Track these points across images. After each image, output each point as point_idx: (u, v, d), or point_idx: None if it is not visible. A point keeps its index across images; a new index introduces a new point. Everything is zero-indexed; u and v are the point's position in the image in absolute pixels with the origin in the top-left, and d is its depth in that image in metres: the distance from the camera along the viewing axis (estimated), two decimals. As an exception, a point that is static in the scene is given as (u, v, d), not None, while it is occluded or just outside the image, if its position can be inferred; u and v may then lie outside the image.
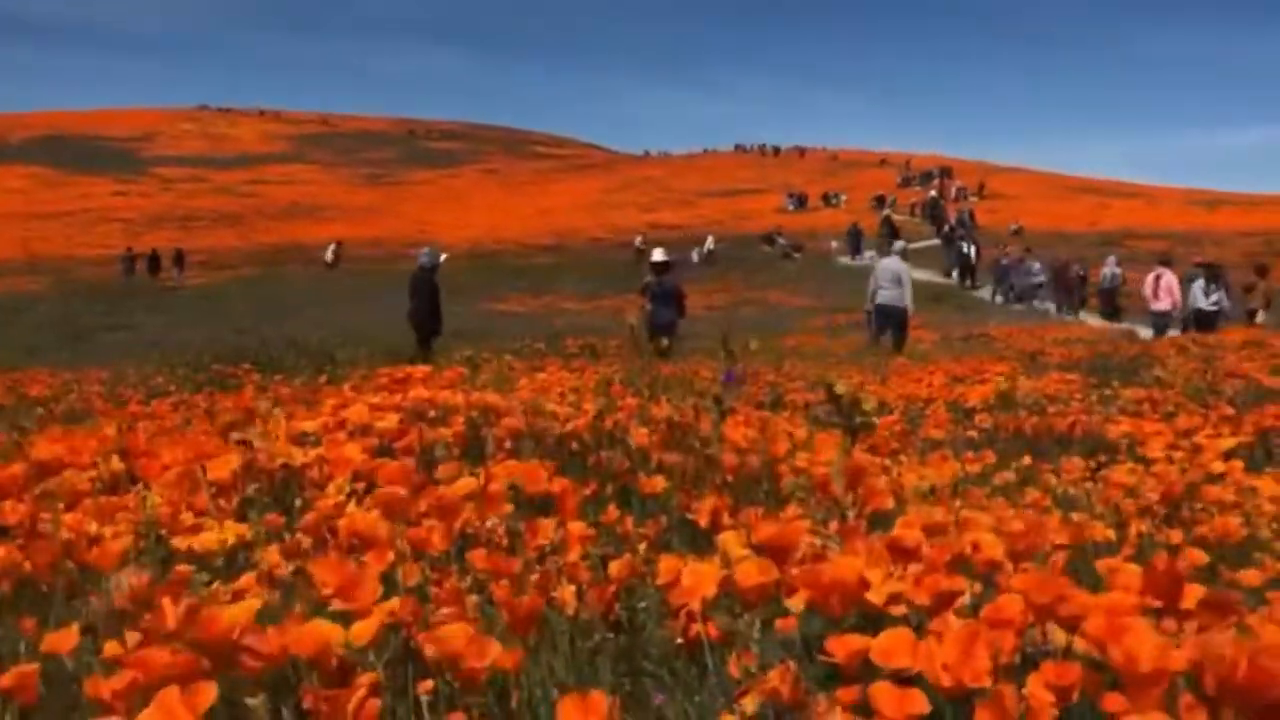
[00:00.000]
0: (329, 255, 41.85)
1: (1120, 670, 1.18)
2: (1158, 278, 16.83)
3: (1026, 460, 3.86)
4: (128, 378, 11.03)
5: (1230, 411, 4.59)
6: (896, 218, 42.65)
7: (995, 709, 1.12)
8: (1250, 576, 2.41)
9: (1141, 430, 4.10)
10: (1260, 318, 16.87)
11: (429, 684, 1.61)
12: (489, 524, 2.27)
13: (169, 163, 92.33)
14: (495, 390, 4.58)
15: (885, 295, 14.74)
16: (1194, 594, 1.41)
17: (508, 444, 3.14)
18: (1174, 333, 15.88)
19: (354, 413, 3.66)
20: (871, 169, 74.93)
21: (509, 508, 2.32)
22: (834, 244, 40.44)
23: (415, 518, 2.36)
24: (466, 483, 2.48)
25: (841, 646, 1.37)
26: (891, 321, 14.77)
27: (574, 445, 3.18)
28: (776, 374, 11.75)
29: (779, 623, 1.57)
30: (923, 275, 34.38)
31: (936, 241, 38.38)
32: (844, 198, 57.97)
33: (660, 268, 13.66)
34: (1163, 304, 16.67)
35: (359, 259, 42.42)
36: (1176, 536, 2.72)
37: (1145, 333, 17.66)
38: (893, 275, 14.86)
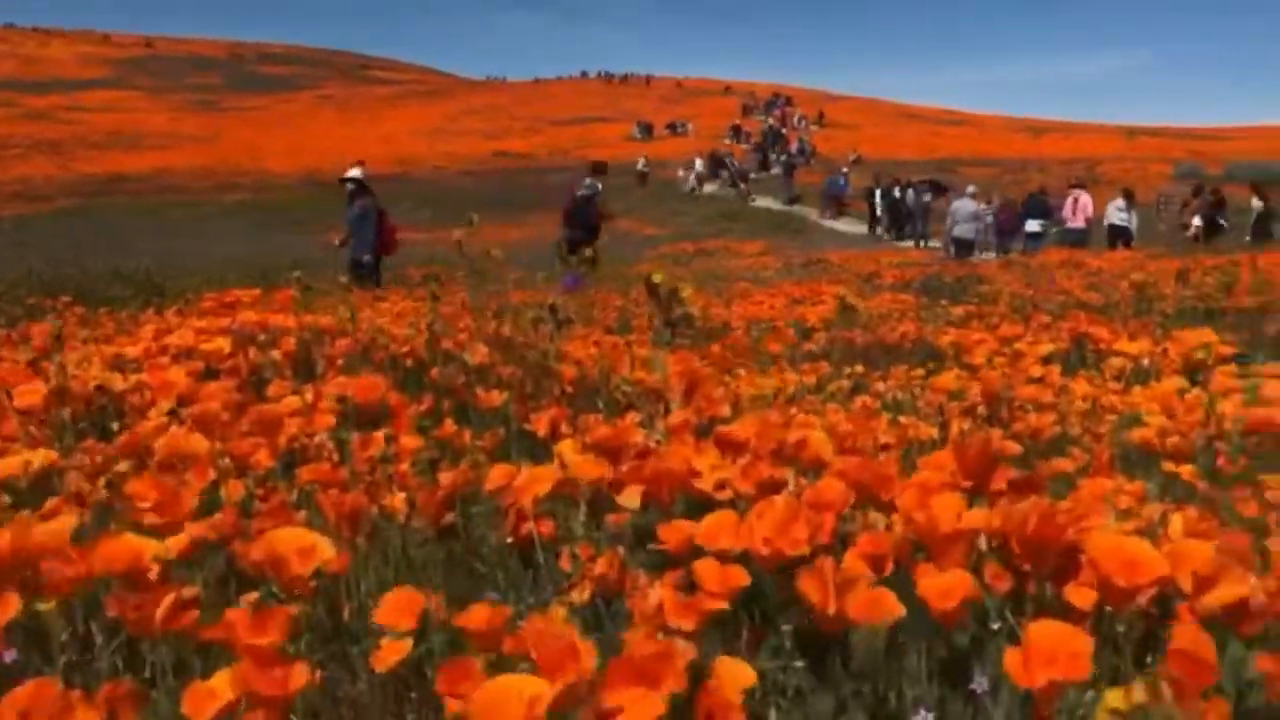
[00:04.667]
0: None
1: (923, 534, 1.22)
2: (1075, 199, 18.49)
3: (859, 369, 3.98)
4: (-68, 314, 10.26)
5: (1048, 320, 4.84)
6: (743, 147, 43.08)
7: (811, 576, 1.15)
8: (1062, 464, 2.55)
9: (967, 339, 4.27)
10: (1193, 231, 18.07)
11: (253, 595, 1.56)
12: (318, 439, 2.21)
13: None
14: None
15: (961, 230, 17.86)
16: (1004, 475, 1.47)
17: (339, 363, 3.05)
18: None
19: (177, 337, 3.50)
20: (716, 97, 75.23)
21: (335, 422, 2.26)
22: (681, 172, 40.42)
23: (240, 436, 2.27)
24: (292, 400, 2.40)
25: (672, 533, 1.39)
26: (966, 250, 17.50)
27: (409, 363, 3.12)
28: (625, 299, 11.78)
29: (610, 517, 1.57)
30: (765, 204, 34.90)
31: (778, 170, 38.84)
32: (690, 126, 58.14)
33: (354, 190, 10.80)
34: (1079, 222, 18.30)
35: (187, 189, 40.45)
36: (996, 433, 2.85)
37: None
38: (968, 213, 18.01)
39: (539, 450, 2.54)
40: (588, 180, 15.19)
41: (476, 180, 42.62)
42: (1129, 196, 18.56)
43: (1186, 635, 0.98)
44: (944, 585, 1.13)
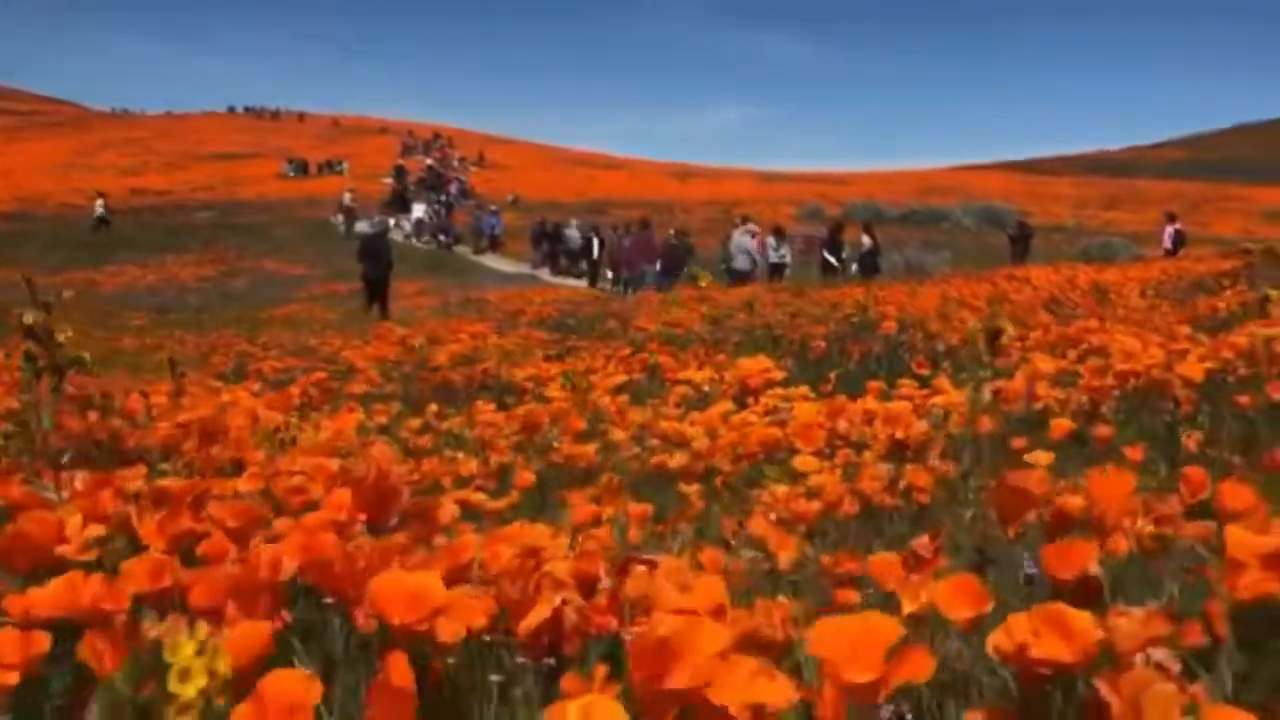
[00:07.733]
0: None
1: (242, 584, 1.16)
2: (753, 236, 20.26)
3: (433, 408, 3.94)
4: None
5: (627, 352, 5.02)
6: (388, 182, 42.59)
7: (95, 636, 1.05)
8: (585, 492, 2.62)
9: (546, 373, 4.35)
10: (853, 269, 20.05)
11: None
12: None
13: None
14: None
15: (739, 262, 19.44)
16: (398, 506, 1.44)
17: None
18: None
19: None
20: (373, 136, 74.11)
21: None
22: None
23: None
24: None
25: (16, 605, 1.24)
26: (745, 281, 18.52)
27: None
28: (250, 343, 11.22)
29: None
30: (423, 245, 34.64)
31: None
32: (346, 165, 56.77)
33: None
34: (752, 260, 20.00)
35: None
36: (533, 464, 2.89)
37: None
38: (741, 248, 19.60)
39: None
40: (376, 218, 17.09)
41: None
42: (780, 234, 20.64)
43: (394, 665, 0.95)
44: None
